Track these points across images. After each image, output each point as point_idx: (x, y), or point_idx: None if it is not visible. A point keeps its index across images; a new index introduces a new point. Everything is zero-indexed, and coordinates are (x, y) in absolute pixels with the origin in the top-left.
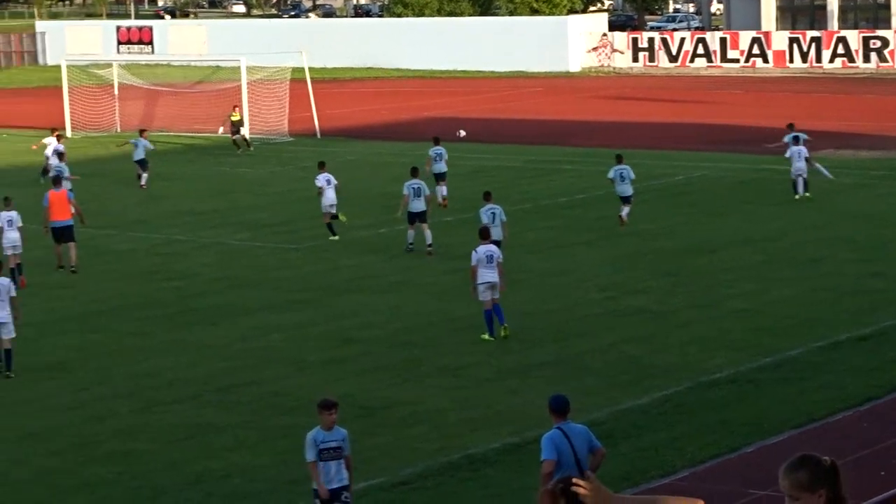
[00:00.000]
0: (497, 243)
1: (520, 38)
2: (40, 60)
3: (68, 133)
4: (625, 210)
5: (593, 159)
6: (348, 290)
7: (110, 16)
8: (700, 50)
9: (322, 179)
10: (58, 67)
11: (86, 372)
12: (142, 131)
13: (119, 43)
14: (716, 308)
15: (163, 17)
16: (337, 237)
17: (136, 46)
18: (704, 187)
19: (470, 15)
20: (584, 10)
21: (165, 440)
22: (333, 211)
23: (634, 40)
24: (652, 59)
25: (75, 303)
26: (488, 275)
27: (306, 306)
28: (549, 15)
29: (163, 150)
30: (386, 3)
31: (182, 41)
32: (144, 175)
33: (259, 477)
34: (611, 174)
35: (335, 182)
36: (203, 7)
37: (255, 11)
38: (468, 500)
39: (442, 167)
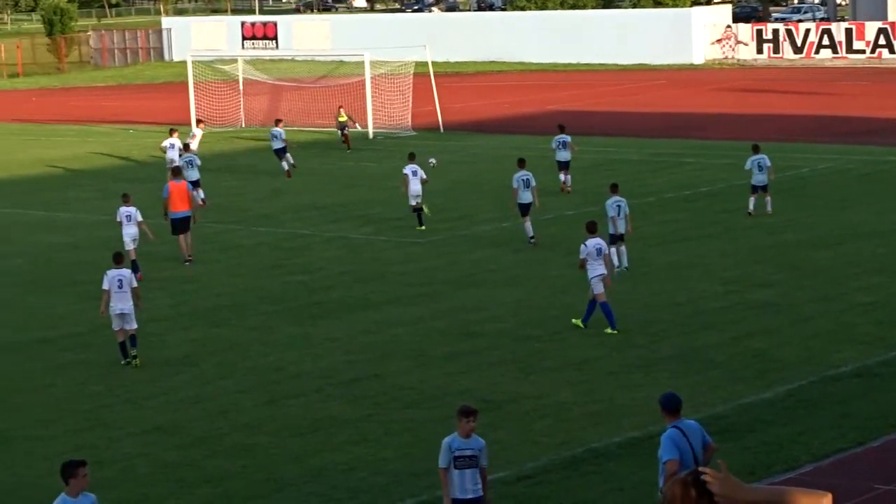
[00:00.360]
0: (621, 236)
1: (643, 30)
2: (166, 56)
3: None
4: (768, 204)
5: (716, 152)
6: (471, 283)
7: (235, 11)
8: (825, 41)
9: (409, 170)
10: (183, 63)
11: (210, 366)
12: (277, 121)
13: (244, 38)
14: (841, 301)
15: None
16: (423, 227)
17: (260, 42)
18: (830, 179)
19: (593, 7)
20: (708, 2)
21: (289, 433)
22: (418, 202)
23: (759, 32)
24: (776, 50)
25: (200, 297)
26: (601, 268)
27: (429, 300)
28: (672, 7)
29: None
30: None
31: (306, 36)
32: (285, 162)
33: (382, 470)
34: (748, 164)
35: (422, 174)
36: (326, 2)
37: (378, 6)
38: (590, 494)
39: (565, 155)
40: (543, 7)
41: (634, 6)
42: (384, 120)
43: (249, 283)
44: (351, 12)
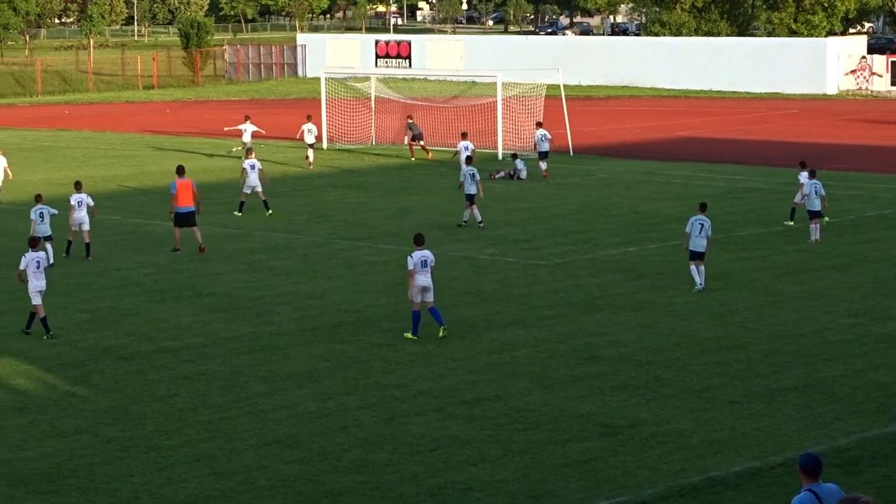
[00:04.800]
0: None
1: (777, 59)
2: (300, 73)
3: (324, 145)
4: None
5: (846, 183)
6: (595, 307)
7: (369, 30)
8: None
9: (247, 164)
10: (317, 80)
11: (333, 381)
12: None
13: (377, 57)
14: None
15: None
16: (240, 214)
17: (393, 60)
18: None
19: (727, 35)
20: (844, 33)
21: (408, 451)
22: (249, 192)
23: (894, 64)
24: None
25: (324, 313)
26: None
27: (553, 322)
28: (807, 36)
29: (416, 163)
30: (643, 21)
31: (439, 56)
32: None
33: (499, 491)
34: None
35: (259, 166)
36: (462, 23)
37: (511, 28)
38: None
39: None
40: (678, 33)
41: (769, 35)
42: (514, 142)
43: (374, 299)
44: (485, 33)
